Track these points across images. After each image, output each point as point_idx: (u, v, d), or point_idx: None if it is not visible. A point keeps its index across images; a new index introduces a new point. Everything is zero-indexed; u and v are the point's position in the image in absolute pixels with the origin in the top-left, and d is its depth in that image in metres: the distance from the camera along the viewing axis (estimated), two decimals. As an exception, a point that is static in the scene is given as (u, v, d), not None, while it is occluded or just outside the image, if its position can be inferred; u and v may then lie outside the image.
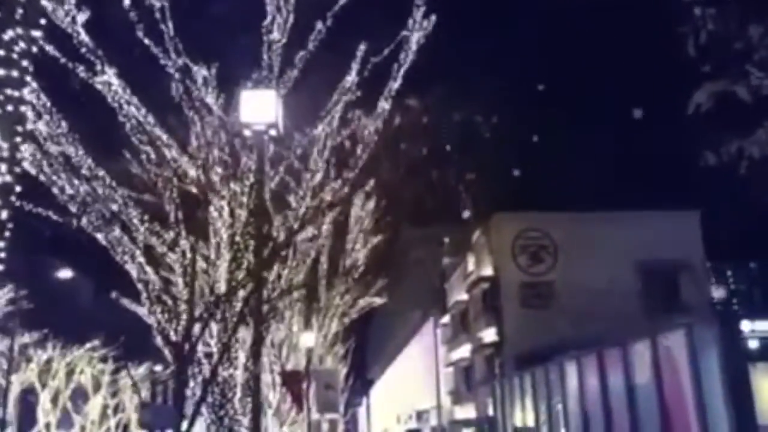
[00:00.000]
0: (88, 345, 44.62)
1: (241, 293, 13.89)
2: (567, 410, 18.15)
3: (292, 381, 18.23)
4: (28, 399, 49.43)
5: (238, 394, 14.32)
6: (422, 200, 35.64)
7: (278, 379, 22.25)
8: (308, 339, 19.54)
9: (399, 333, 57.25)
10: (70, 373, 46.36)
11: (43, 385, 45.71)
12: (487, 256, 31.23)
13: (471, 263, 34.40)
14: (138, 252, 13.82)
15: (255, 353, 10.41)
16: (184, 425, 11.03)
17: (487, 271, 30.93)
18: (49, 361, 45.33)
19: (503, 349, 29.33)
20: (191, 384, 13.78)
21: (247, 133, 9.17)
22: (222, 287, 14.09)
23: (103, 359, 45.30)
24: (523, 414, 22.54)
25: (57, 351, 44.61)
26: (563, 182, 31.17)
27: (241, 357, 14.55)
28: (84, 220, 13.89)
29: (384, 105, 16.62)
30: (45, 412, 45.49)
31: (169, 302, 13.83)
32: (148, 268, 13.74)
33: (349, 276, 28.38)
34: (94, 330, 44.50)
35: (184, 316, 13.22)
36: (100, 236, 13.98)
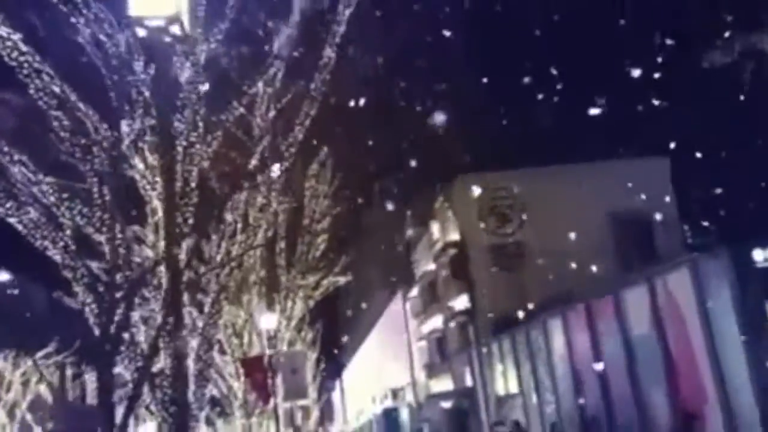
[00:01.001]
0: (40, 353, 42.50)
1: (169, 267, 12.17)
2: (554, 372, 16.89)
3: (252, 368, 16.59)
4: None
5: (192, 387, 12.55)
6: (381, 170, 34.06)
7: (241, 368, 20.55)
8: (269, 321, 17.83)
9: (368, 312, 55.86)
10: (26, 384, 44.35)
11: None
12: (452, 222, 29.82)
13: (436, 231, 32.98)
14: (60, 234, 11.92)
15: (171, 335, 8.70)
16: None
17: (453, 236, 29.55)
18: (-1, 374, 43.21)
19: (477, 316, 28.03)
20: (125, 378, 12.04)
21: (140, 32, 7.36)
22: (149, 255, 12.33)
23: (60, 366, 43.25)
24: (505, 381, 21.28)
25: (9, 362, 42.50)
26: (524, 138, 29.82)
27: (192, 344, 12.76)
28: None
29: (329, 53, 14.84)
30: (1, 427, 43.47)
31: (101, 288, 11.99)
32: (73, 249, 11.85)
33: (308, 254, 26.78)
34: (50, 337, 42.48)
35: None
36: (13, 221, 12.02)
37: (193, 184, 13.01)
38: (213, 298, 13.62)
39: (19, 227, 12.23)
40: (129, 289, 12.00)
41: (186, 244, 12.86)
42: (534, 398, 18.30)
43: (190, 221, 12.97)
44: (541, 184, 27.98)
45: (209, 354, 13.18)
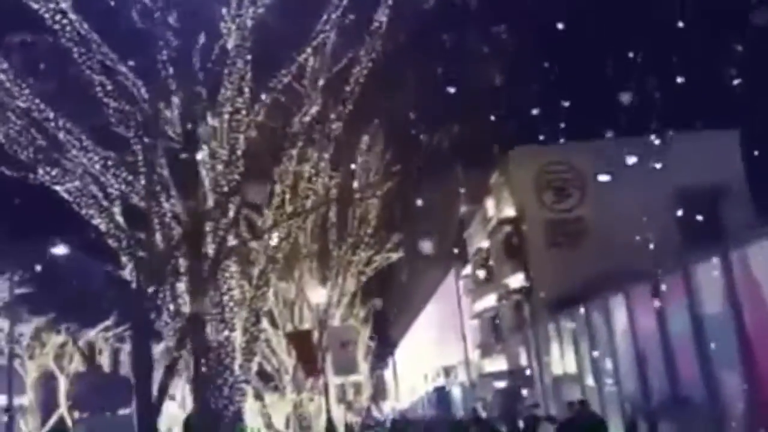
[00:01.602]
0: (100, 326, 43.41)
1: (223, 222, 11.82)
2: (615, 353, 16.03)
3: (301, 342, 16.22)
4: (48, 385, 48.41)
5: (238, 360, 12.23)
6: (434, 143, 33.21)
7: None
8: (319, 295, 17.41)
9: (420, 290, 55.31)
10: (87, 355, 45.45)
11: (61, 369, 44.80)
12: (507, 197, 28.89)
13: (491, 207, 32.13)
14: (104, 201, 11.66)
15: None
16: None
17: (509, 212, 28.63)
18: (63, 345, 44.35)
19: (532, 295, 27.17)
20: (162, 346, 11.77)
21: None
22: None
23: (120, 339, 44.10)
24: (563, 362, 20.48)
25: (69, 334, 43.53)
26: (585, 109, 28.50)
27: (240, 315, 12.42)
28: (40, 171, 11.72)
29: (381, 17, 14.14)
30: (66, 397, 44.61)
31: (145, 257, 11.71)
32: (119, 219, 11.58)
33: (359, 229, 26.27)
34: (108, 310, 43.32)
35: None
36: (59, 188, 11.81)
37: (239, 152, 12.60)
38: (260, 269, 13.21)
39: (65, 195, 12.03)
40: (173, 257, 11.70)
41: (232, 209, 12.51)
42: (592, 380, 17.49)
43: (236, 188, 12.58)
44: (603, 157, 26.74)
45: (257, 326, 12.83)
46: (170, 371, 10.57)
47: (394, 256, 30.63)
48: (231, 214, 12.49)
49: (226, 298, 12.29)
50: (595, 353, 17.29)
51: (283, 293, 23.73)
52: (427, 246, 46.54)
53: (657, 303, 13.32)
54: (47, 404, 49.13)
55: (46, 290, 35.63)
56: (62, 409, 44.44)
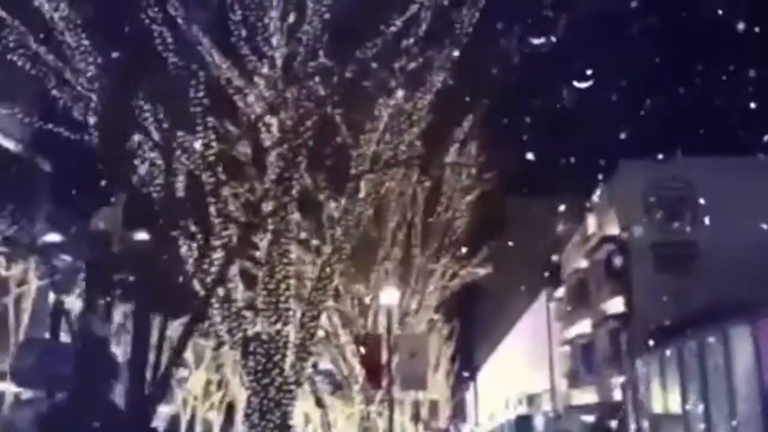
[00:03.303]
0: (182, 319, 43.57)
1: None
2: (734, 394, 13.59)
3: (368, 347, 14.64)
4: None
5: (290, 358, 10.72)
6: (533, 152, 30.97)
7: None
8: (391, 296, 15.77)
9: (508, 311, 52.88)
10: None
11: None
12: (612, 214, 26.44)
13: (591, 225, 29.68)
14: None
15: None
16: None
17: (613, 230, 26.16)
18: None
19: (633, 322, 24.59)
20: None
21: None
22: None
23: (205, 334, 44.13)
24: (665, 399, 17.98)
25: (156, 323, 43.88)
26: (704, 121, 25.87)
27: (295, 308, 10.95)
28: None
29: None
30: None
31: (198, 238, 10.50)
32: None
33: (444, 236, 24.47)
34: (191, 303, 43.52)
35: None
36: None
37: (308, 123, 11.16)
38: (324, 259, 11.68)
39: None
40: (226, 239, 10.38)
41: (295, 188, 11.10)
42: (702, 422, 15.05)
43: (303, 163, 11.16)
44: (720, 176, 24.05)
45: (315, 323, 11.27)
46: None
47: (482, 272, 28.52)
48: (294, 191, 11.06)
49: (282, 286, 10.84)
50: (708, 392, 14.84)
51: (360, 296, 22.35)
52: (518, 264, 44.25)
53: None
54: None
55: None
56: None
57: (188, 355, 45.01)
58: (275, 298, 10.88)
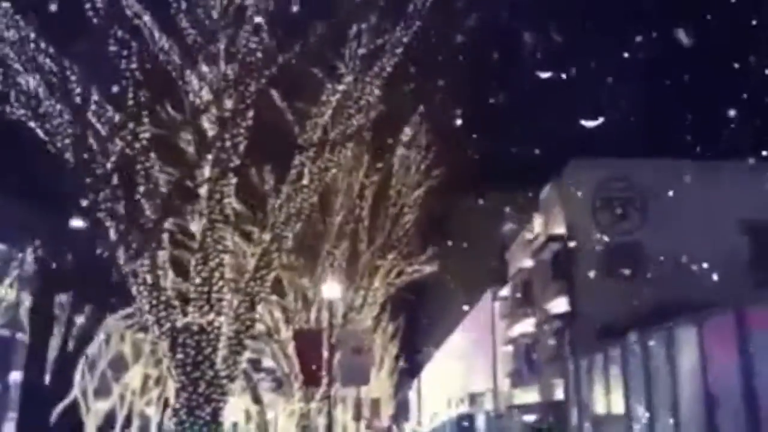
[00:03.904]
0: (122, 312, 42.06)
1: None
2: (677, 392, 13.45)
3: (306, 342, 14.02)
4: (64, 366, 47.23)
5: (223, 351, 10.07)
6: (481, 150, 30.72)
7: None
8: (332, 290, 15.17)
9: (452, 310, 52.82)
10: (107, 340, 44.25)
11: (78, 352, 43.69)
12: (558, 213, 26.35)
13: (538, 224, 29.60)
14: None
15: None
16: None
17: (559, 229, 26.07)
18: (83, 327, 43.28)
19: (576, 322, 24.56)
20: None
21: None
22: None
23: (143, 328, 42.76)
24: (607, 398, 17.85)
25: (90, 316, 42.38)
26: (651, 125, 26.01)
27: (229, 298, 10.28)
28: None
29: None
30: (81, 379, 43.42)
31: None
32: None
33: (392, 232, 23.98)
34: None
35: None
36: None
37: (248, 101, 10.54)
38: (262, 248, 11.05)
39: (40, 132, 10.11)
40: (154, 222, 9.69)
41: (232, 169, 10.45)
42: (644, 422, 14.91)
43: (241, 145, 10.54)
44: (667, 179, 24.17)
45: (251, 314, 10.64)
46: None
47: (427, 269, 28.08)
48: (231, 175, 10.41)
49: (216, 274, 10.18)
50: (651, 393, 14.70)
51: (302, 291, 21.70)
52: (464, 263, 44.07)
53: (741, 338, 10.79)
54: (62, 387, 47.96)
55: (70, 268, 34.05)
56: (76, 392, 43.30)
57: (126, 348, 43.68)
58: (208, 287, 10.23)
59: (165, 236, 10.32)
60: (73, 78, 9.65)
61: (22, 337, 42.96)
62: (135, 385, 47.81)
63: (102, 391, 49.00)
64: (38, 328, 7.85)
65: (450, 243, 42.30)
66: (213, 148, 10.17)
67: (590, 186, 24.79)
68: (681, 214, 23.55)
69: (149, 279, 9.91)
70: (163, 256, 10.14)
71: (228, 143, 10.23)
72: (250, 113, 10.47)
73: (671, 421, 13.72)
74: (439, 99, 23.09)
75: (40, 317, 8.08)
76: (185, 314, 9.97)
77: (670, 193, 23.77)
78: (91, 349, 46.24)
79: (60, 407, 44.64)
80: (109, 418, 48.46)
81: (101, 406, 49.51)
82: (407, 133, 22.11)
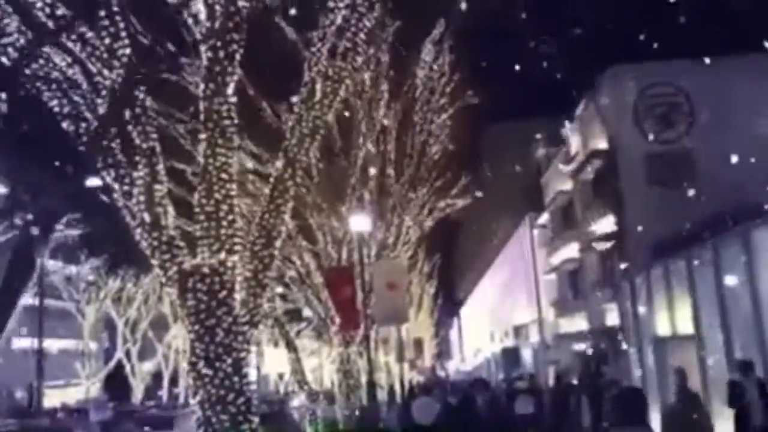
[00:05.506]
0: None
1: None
2: (759, 303, 11.93)
3: (337, 282, 12.71)
4: (108, 329, 47.35)
5: (240, 294, 8.72)
6: (512, 71, 28.69)
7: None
8: (360, 223, 13.75)
9: (489, 244, 51.42)
10: (147, 302, 44.19)
11: (120, 315, 43.66)
12: (599, 126, 24.48)
13: (575, 143, 27.76)
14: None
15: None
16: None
17: (601, 143, 24.25)
18: (121, 290, 43.08)
19: (625, 242, 22.97)
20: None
21: None
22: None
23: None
24: (671, 317, 16.36)
25: (129, 279, 42.14)
26: (696, 22, 23.74)
27: (247, 237, 8.90)
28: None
29: None
30: (124, 342, 43.51)
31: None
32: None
33: (420, 163, 22.40)
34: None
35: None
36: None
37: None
38: (277, 174, 9.55)
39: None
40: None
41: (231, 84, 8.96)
42: (720, 340, 13.44)
43: (237, 57, 9.03)
44: (717, 81, 22.14)
45: (269, 250, 9.20)
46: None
47: (460, 203, 26.50)
48: (230, 90, 8.94)
49: (224, 207, 8.77)
50: (723, 306, 13.18)
51: (332, 231, 20.42)
52: (498, 193, 42.44)
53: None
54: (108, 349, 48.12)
55: (103, 231, 33.15)
56: (120, 355, 43.31)
57: (167, 309, 43.29)
58: (215, 221, 8.81)
59: (161, 169, 8.90)
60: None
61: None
62: (177, 345, 47.71)
63: (146, 353, 49.06)
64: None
65: (481, 174, 40.68)
66: (204, 56, 8.67)
67: (632, 93, 22.83)
68: (733, 118, 21.61)
69: (147, 218, 8.54)
70: (161, 190, 8.75)
71: (221, 52, 8.70)
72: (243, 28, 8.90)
73: (758, 338, 12.21)
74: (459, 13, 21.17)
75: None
76: (194, 256, 8.62)
77: (720, 95, 21.76)
78: (131, 312, 46.00)
79: (104, 371, 44.56)
80: (156, 379, 48.51)
81: (146, 368, 49.62)
82: (429, 49, 20.32)
